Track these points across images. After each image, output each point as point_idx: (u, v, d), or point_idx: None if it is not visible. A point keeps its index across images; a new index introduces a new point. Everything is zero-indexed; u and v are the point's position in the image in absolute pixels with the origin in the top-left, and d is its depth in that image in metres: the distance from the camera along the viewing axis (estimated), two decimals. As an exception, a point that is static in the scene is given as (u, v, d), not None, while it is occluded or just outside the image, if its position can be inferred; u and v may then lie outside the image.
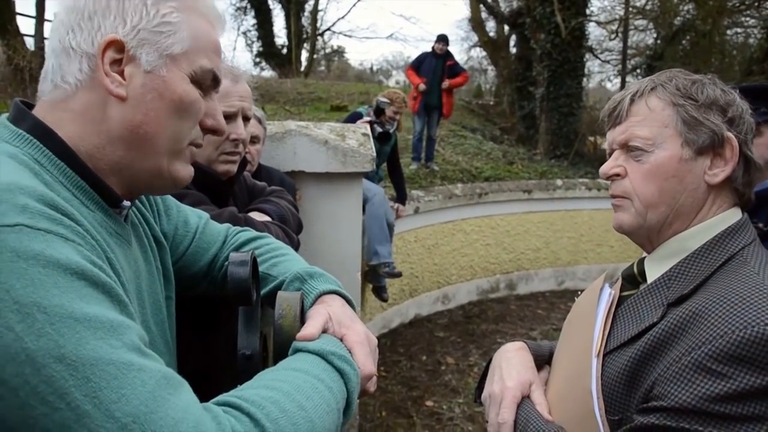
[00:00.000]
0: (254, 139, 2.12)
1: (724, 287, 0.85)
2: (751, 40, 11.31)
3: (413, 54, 8.31)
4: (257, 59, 19.22)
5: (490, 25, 15.09)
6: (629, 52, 12.27)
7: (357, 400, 0.85)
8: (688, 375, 0.79)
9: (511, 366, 1.08)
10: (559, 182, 7.01)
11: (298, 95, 11.39)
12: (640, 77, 11.55)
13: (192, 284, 1.09)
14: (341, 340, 0.86)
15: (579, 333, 1.05)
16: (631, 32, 12.20)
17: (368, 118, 4.64)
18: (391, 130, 4.82)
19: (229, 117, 1.43)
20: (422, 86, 7.11)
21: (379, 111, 4.71)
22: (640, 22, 12.06)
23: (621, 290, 1.04)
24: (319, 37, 22.05)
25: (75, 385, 0.53)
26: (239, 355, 0.86)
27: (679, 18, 10.98)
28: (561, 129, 9.79)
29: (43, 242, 0.57)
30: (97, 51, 0.73)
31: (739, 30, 11.64)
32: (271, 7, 19.27)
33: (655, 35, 12.08)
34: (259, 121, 2.23)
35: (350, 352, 0.85)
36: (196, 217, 1.11)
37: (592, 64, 13.11)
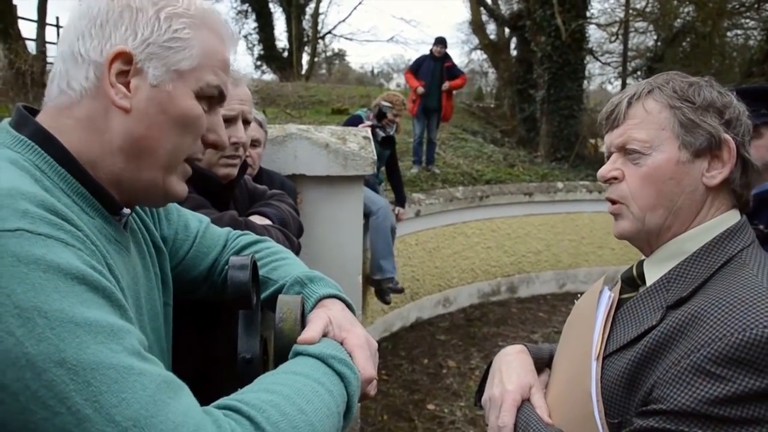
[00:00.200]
0: (255, 143, 2.12)
1: (722, 289, 0.85)
2: (751, 42, 11.30)
3: (414, 57, 8.29)
4: (258, 62, 19.32)
5: (491, 28, 15.14)
6: (630, 54, 12.27)
7: (358, 404, 0.85)
8: (687, 378, 0.79)
9: (511, 369, 1.08)
10: (560, 185, 7.00)
11: (299, 98, 11.42)
12: (640, 79, 11.46)
13: (192, 288, 1.09)
14: (341, 343, 0.86)
15: (578, 336, 1.05)
16: (631, 34, 12.21)
17: (369, 123, 4.62)
18: (392, 133, 4.82)
19: (230, 120, 1.43)
20: (421, 89, 7.10)
21: (381, 115, 4.69)
22: (641, 24, 12.07)
23: (620, 293, 1.04)
24: (320, 41, 22.16)
25: (75, 389, 0.54)
26: (239, 359, 0.86)
27: (679, 20, 10.98)
28: (562, 131, 9.80)
29: (44, 247, 0.58)
30: (105, 61, 0.73)
31: (739, 32, 11.64)
32: (272, 10, 19.40)
33: (655, 37, 12.08)
34: (260, 124, 2.23)
35: (350, 355, 0.85)
36: (196, 221, 1.12)
37: (592, 67, 13.11)
